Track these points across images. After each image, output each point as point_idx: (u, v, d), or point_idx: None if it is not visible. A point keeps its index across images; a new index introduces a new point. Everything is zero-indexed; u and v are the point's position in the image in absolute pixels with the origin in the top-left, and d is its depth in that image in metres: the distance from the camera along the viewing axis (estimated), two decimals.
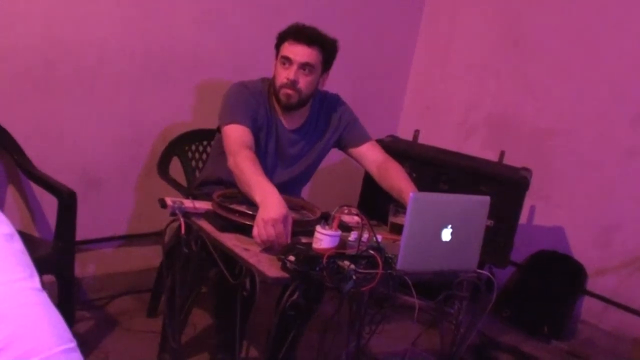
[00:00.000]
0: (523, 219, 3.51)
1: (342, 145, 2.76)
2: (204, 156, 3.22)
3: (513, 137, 3.99)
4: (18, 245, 0.75)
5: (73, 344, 0.71)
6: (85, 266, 3.21)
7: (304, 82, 2.51)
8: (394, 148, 3.07)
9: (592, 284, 3.75)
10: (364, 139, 2.73)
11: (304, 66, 2.49)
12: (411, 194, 2.00)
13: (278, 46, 2.56)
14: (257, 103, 2.56)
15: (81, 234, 2.87)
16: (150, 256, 3.28)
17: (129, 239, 3.37)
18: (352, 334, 2.39)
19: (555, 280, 3.73)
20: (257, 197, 2.12)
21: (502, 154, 3.34)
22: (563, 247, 3.83)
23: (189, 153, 3.21)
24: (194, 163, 3.21)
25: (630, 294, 3.61)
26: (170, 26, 3.22)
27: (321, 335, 2.30)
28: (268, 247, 2.03)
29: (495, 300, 2.34)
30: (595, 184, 3.71)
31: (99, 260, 3.29)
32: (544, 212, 3.91)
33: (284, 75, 2.51)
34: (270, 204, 2.06)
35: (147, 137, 3.28)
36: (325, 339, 2.28)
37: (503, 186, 3.04)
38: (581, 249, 3.78)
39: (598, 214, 3.71)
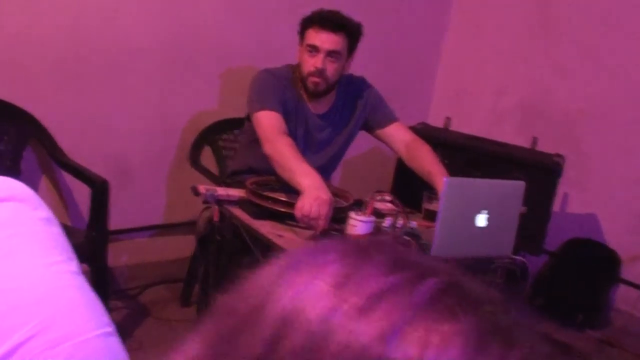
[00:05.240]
0: (556, 206, 3.46)
1: (369, 127, 2.74)
2: (236, 145, 3.22)
3: (545, 123, 3.93)
4: (56, 229, 0.74)
5: (110, 328, 0.69)
6: (118, 256, 3.23)
7: (331, 70, 2.50)
8: (425, 135, 3.04)
9: (626, 272, 3.68)
10: (390, 119, 2.71)
11: (331, 54, 2.48)
12: (445, 179, 1.98)
13: (302, 33, 2.54)
14: (284, 89, 2.55)
15: (114, 223, 2.89)
16: (183, 246, 3.29)
17: (162, 229, 3.39)
18: None
19: (590, 268, 3.68)
20: (304, 181, 2.12)
21: (535, 140, 3.29)
22: (597, 234, 3.77)
23: (220, 142, 3.22)
24: (225, 152, 3.22)
25: None
26: (198, 15, 3.22)
27: None
28: (303, 224, 2.03)
29: (529, 288, 2.31)
30: (629, 169, 3.64)
31: (132, 250, 3.31)
32: (577, 199, 3.85)
33: (311, 63, 2.49)
34: (321, 187, 2.08)
35: (178, 126, 3.29)
36: None
37: (536, 173, 3.00)
38: (615, 236, 3.72)
39: (633, 200, 3.64)
